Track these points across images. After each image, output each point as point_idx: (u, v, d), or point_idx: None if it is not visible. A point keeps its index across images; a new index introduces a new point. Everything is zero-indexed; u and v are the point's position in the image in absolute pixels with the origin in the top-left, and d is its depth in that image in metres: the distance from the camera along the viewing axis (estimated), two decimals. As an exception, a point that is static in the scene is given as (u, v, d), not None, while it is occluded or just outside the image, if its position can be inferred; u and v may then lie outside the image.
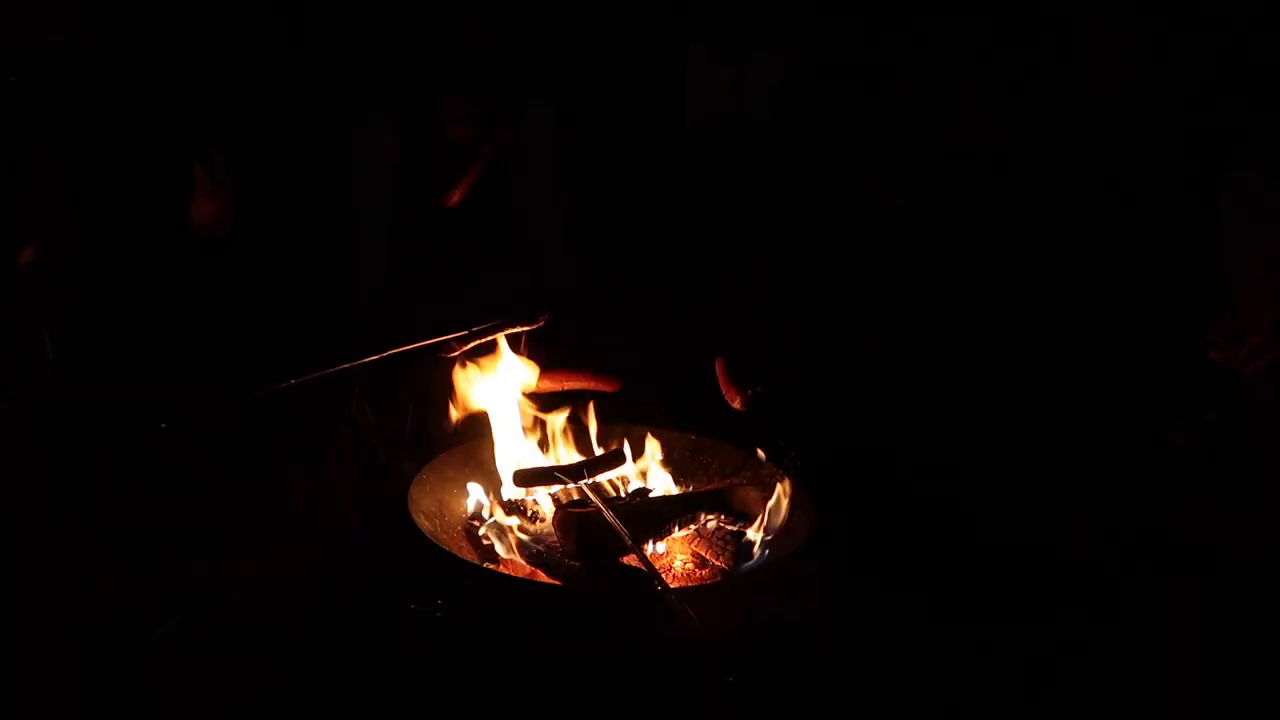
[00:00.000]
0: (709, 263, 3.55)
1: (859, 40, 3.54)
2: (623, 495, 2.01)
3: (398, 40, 3.18)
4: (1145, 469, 2.45)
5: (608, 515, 1.84)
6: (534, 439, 2.10)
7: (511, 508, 2.01)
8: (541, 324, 2.15)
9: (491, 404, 2.07)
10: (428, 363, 2.15)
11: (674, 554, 1.98)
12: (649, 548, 1.91)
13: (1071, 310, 3.18)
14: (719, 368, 2.19)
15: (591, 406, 2.12)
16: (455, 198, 3.17)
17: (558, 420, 2.10)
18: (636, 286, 3.38)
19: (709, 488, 2.09)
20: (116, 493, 2.20)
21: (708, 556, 1.95)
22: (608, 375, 2.25)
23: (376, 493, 2.16)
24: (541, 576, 1.90)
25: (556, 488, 1.98)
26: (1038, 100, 3.33)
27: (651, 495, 2.02)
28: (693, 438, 2.22)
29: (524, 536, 1.95)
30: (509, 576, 1.89)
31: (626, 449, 2.07)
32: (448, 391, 2.10)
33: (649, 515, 1.92)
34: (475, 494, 2.06)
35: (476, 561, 1.92)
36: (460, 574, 1.83)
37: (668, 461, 2.15)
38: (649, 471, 2.12)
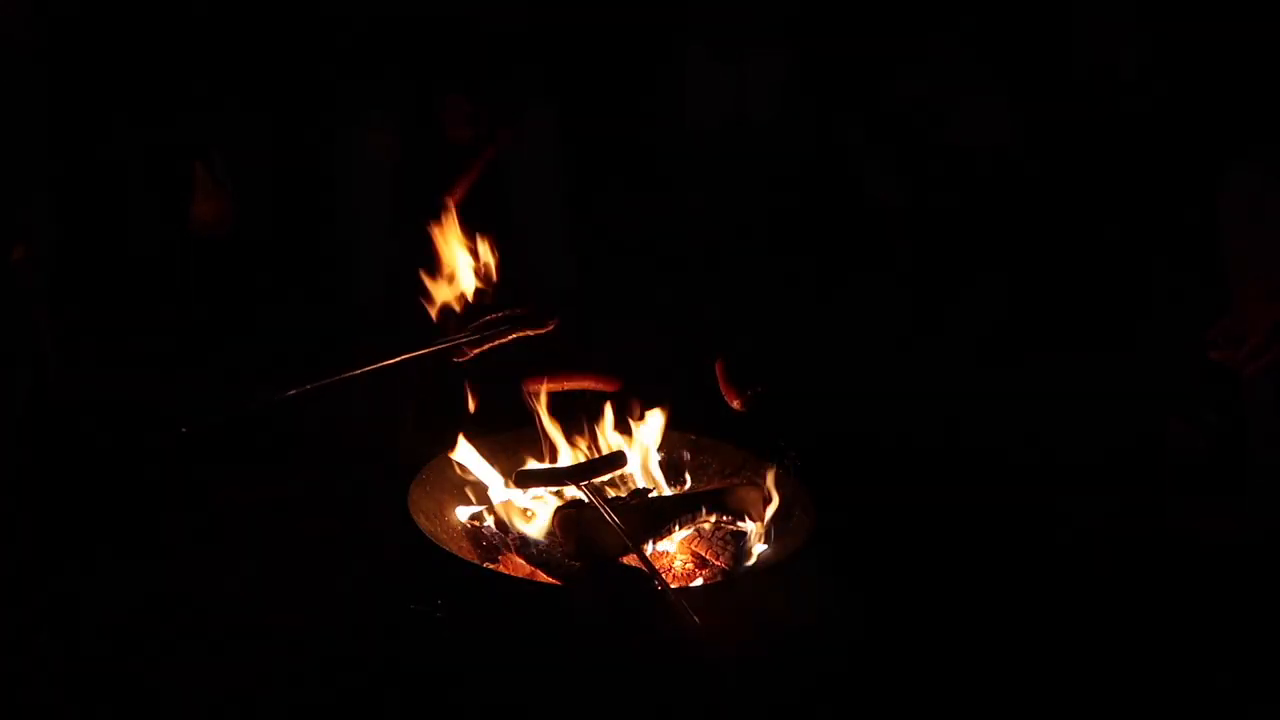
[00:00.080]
0: (709, 263, 3.56)
1: (859, 40, 3.54)
2: (623, 495, 2.01)
3: (398, 40, 3.18)
4: (1145, 469, 2.45)
5: (608, 515, 1.84)
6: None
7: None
8: (551, 327, 2.15)
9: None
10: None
11: (674, 554, 1.98)
12: (649, 548, 1.91)
13: (1072, 310, 3.19)
14: (719, 368, 2.18)
15: (609, 408, 2.12)
16: (456, 198, 3.17)
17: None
18: (636, 286, 3.39)
19: (709, 488, 2.09)
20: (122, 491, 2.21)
21: (708, 556, 1.95)
22: (607, 375, 2.25)
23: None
24: (541, 576, 1.90)
25: (557, 488, 1.98)
26: (1038, 100, 3.33)
27: (651, 495, 2.02)
28: (693, 438, 2.22)
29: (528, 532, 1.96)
30: (509, 576, 1.89)
31: (625, 450, 2.07)
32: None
33: (649, 515, 1.92)
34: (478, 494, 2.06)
35: (476, 561, 1.92)
36: (460, 574, 1.83)
37: (667, 461, 2.15)
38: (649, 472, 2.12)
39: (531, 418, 2.09)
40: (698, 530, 1.96)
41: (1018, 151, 3.40)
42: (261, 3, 3.20)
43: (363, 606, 1.90)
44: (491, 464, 2.06)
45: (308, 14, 3.25)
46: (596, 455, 2.07)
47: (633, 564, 1.86)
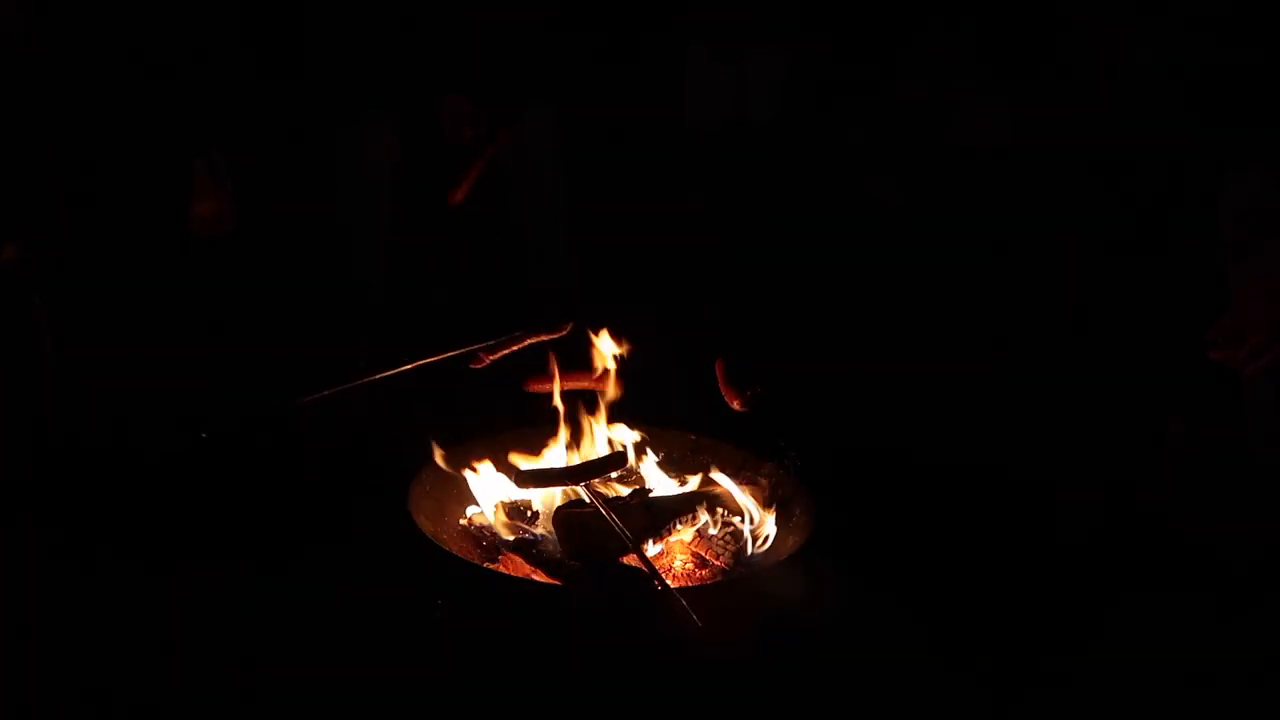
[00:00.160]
0: (709, 263, 3.56)
1: (859, 40, 3.54)
2: (623, 495, 2.02)
3: (398, 40, 3.18)
4: (1145, 469, 2.45)
5: (608, 515, 1.84)
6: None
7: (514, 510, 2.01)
8: (565, 332, 2.15)
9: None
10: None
11: (674, 554, 1.98)
12: (649, 548, 1.91)
13: (1071, 310, 3.19)
14: (719, 368, 2.18)
15: (603, 406, 2.12)
16: (456, 198, 3.17)
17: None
18: (636, 286, 3.38)
19: (709, 488, 2.09)
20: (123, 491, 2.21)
21: (708, 556, 1.95)
22: (606, 375, 2.24)
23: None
24: (541, 576, 1.90)
25: (559, 489, 1.98)
26: (1038, 100, 3.33)
27: (651, 495, 2.02)
28: (693, 438, 2.22)
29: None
30: (509, 576, 1.89)
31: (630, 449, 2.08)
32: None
33: (649, 515, 1.92)
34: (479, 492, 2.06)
35: (476, 561, 1.92)
36: (460, 574, 1.83)
37: (667, 461, 2.15)
38: (649, 471, 2.12)
39: (533, 418, 2.09)
40: (698, 530, 1.96)
41: (1018, 152, 3.40)
42: (262, 3, 3.20)
43: (363, 606, 1.90)
44: (495, 467, 2.06)
45: (307, 14, 3.25)
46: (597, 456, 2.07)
47: (633, 564, 1.86)
